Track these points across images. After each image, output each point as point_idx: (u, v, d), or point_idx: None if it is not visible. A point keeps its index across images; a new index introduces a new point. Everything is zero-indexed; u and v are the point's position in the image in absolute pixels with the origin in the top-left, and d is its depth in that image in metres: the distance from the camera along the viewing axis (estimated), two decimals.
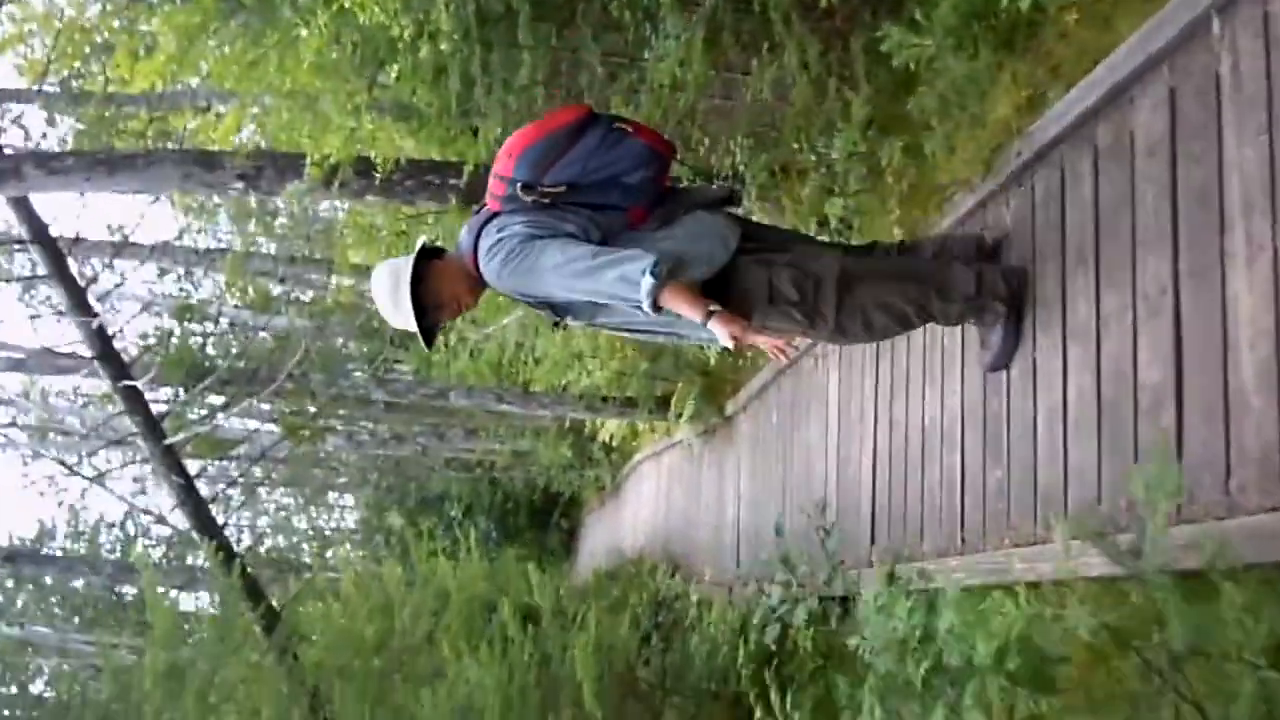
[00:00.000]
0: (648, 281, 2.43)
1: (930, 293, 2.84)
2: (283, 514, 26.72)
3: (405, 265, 2.65)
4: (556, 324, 2.85)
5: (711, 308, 2.53)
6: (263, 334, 16.97)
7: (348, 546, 25.87)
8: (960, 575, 3.35)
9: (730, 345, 2.62)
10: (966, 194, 3.66)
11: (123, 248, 9.93)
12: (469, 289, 2.77)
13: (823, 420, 5.16)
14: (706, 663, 5.11)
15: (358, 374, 7.62)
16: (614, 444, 11.60)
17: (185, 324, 8.71)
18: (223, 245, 16.51)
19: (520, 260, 2.54)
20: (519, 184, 2.59)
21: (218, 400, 7.20)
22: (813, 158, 4.29)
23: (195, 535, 6.40)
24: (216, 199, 14.35)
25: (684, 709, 4.84)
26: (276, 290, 13.15)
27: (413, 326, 2.68)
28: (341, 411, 10.13)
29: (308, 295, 14.11)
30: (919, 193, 4.08)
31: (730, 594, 6.61)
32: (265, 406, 8.37)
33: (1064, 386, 2.90)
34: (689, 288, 2.55)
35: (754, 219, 3.49)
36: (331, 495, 26.58)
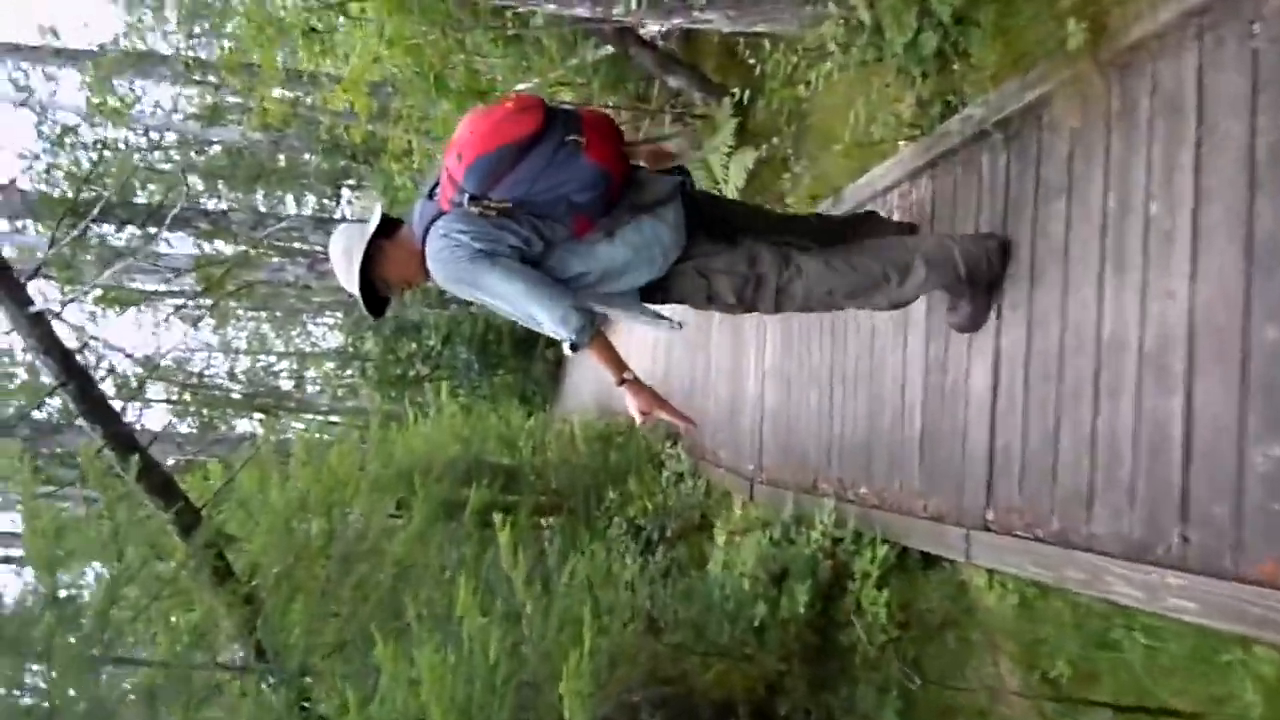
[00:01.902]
0: (567, 348, 2.60)
1: (876, 285, 2.87)
2: (256, 338, 25.63)
3: (360, 240, 2.67)
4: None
5: (625, 375, 2.67)
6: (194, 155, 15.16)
7: (328, 366, 24.93)
8: (1188, 606, 2.06)
9: (638, 418, 2.71)
10: None
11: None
12: (418, 269, 2.73)
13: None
14: (734, 611, 3.88)
15: (286, 215, 6.07)
16: None
17: (66, 148, 7.01)
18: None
19: (461, 272, 2.58)
20: (466, 194, 2.58)
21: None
22: None
23: (84, 424, 5.10)
24: None
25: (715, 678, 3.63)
26: (212, 99, 11.30)
27: (360, 299, 2.71)
28: (273, 257, 8.62)
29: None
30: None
31: (751, 492, 5.38)
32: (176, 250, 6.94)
33: None
34: (608, 350, 2.64)
35: (705, 193, 3.13)
36: (308, 318, 25.41)
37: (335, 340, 25.87)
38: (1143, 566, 2.23)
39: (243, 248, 5.81)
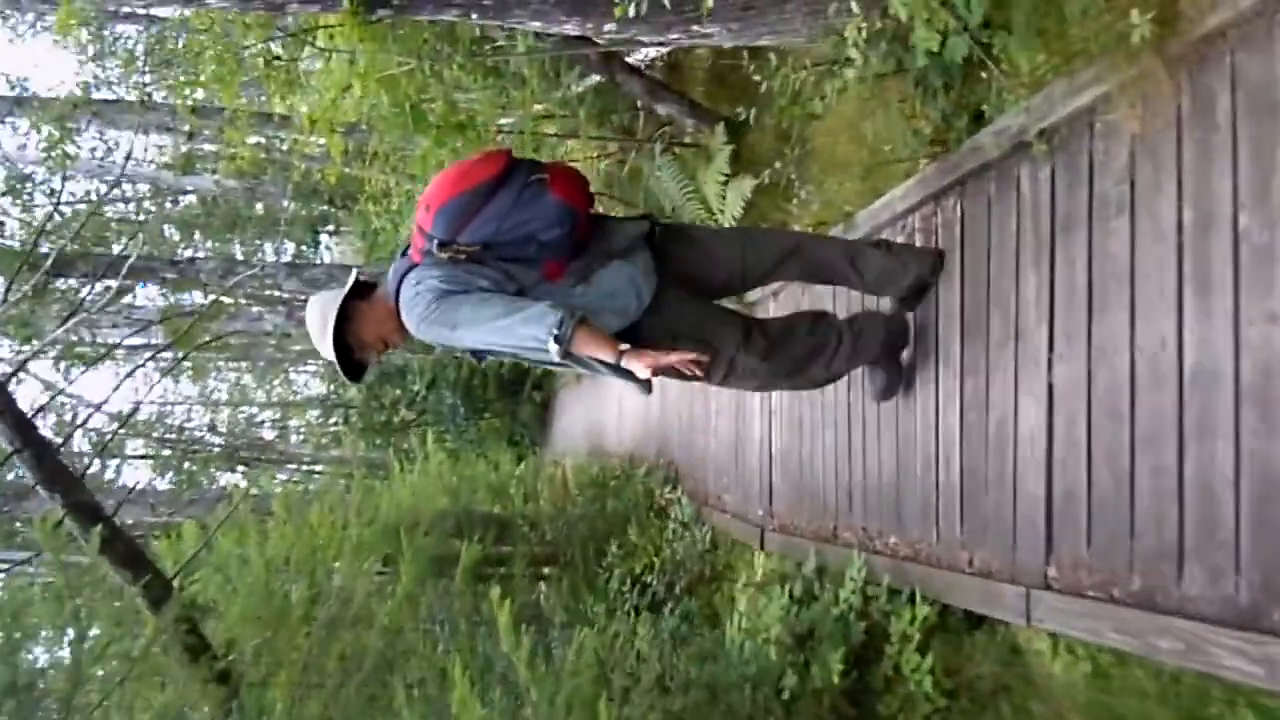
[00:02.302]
0: (553, 345, 2.47)
1: (806, 368, 3.12)
2: (237, 389, 25.14)
3: (334, 304, 2.67)
4: (478, 358, 2.80)
5: (622, 347, 2.58)
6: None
7: (310, 415, 24.43)
8: None
9: (648, 375, 2.63)
10: None
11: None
12: (395, 328, 2.72)
13: (950, 312, 3.44)
14: (757, 677, 3.51)
15: (254, 260, 5.73)
16: None
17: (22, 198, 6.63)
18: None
19: (437, 315, 2.56)
20: (435, 241, 2.59)
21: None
22: None
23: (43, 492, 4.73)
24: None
25: None
26: (185, 147, 10.97)
27: (336, 364, 2.70)
28: (246, 302, 8.26)
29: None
30: None
31: (762, 541, 5.03)
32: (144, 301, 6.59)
33: None
34: (597, 333, 2.56)
35: (674, 233, 3.05)
36: (289, 367, 24.98)
37: (318, 388, 25.49)
38: (1261, 637, 1.90)
39: (212, 297, 5.47)
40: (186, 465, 18.16)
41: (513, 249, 2.61)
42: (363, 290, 2.75)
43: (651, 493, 7.26)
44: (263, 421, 25.29)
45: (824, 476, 4.33)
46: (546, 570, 7.26)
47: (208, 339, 5.54)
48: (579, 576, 6.46)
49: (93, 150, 13.67)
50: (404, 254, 2.75)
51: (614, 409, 10.54)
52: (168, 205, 17.90)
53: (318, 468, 20.04)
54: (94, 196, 17.04)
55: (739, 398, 5.74)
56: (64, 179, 11.83)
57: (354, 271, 2.81)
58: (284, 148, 12.13)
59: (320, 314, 2.70)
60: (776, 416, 5.05)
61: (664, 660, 3.92)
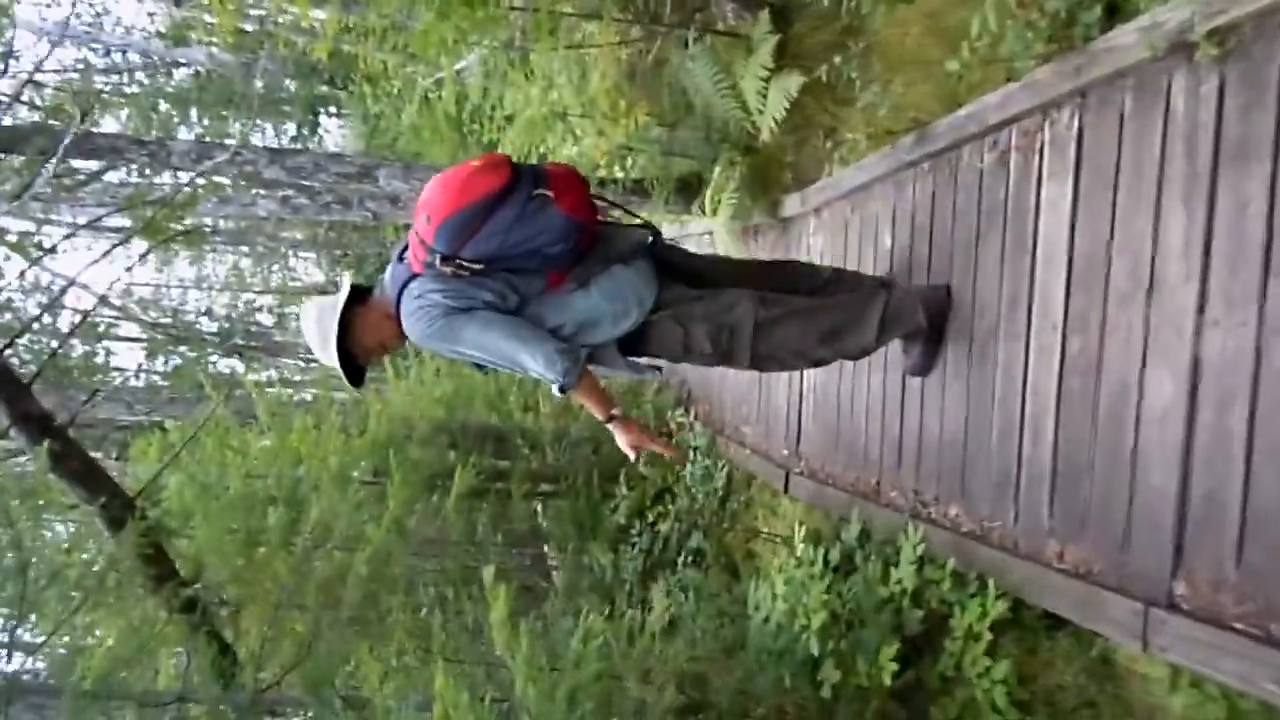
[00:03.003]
0: (556, 390, 2.58)
1: (842, 332, 2.95)
2: (234, 275, 24.45)
3: (333, 313, 2.63)
4: (480, 369, 2.80)
5: (613, 412, 2.69)
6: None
7: (308, 300, 23.79)
8: None
9: (630, 454, 2.74)
10: None
11: None
12: (394, 333, 2.71)
13: (1021, 249, 2.87)
14: (794, 667, 3.04)
15: (229, 143, 5.09)
16: None
17: None
18: None
19: (440, 330, 2.56)
20: (438, 255, 2.53)
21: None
22: None
23: None
24: None
25: None
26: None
27: (339, 369, 2.67)
28: (228, 191, 7.62)
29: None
30: None
31: (786, 484, 4.55)
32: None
33: None
34: (596, 389, 2.67)
35: (676, 248, 3.04)
36: (289, 251, 24.26)
37: (317, 275, 24.83)
38: None
39: (183, 183, 4.87)
40: (179, 349, 17.73)
41: (517, 261, 2.58)
42: (358, 295, 2.71)
43: (662, 414, 6.76)
44: (260, 308, 24.75)
45: (868, 423, 3.80)
46: (545, 488, 6.83)
47: (179, 229, 4.94)
48: (581, 505, 6.01)
49: (77, 14, 12.82)
50: (401, 259, 2.68)
51: None
52: (160, 79, 17.06)
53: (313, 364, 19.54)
54: (81, 65, 16.21)
55: None
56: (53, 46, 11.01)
57: (347, 278, 2.76)
58: (277, 20, 11.30)
59: (318, 323, 2.67)
60: None
61: (684, 632, 3.47)
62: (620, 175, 5.70)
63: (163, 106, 16.51)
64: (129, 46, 15.62)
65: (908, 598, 2.88)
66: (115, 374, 12.27)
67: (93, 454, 5.18)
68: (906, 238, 3.54)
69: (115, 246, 4.89)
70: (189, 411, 7.87)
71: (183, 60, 16.06)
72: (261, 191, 14.60)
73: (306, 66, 15.04)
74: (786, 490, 4.55)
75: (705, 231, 6.43)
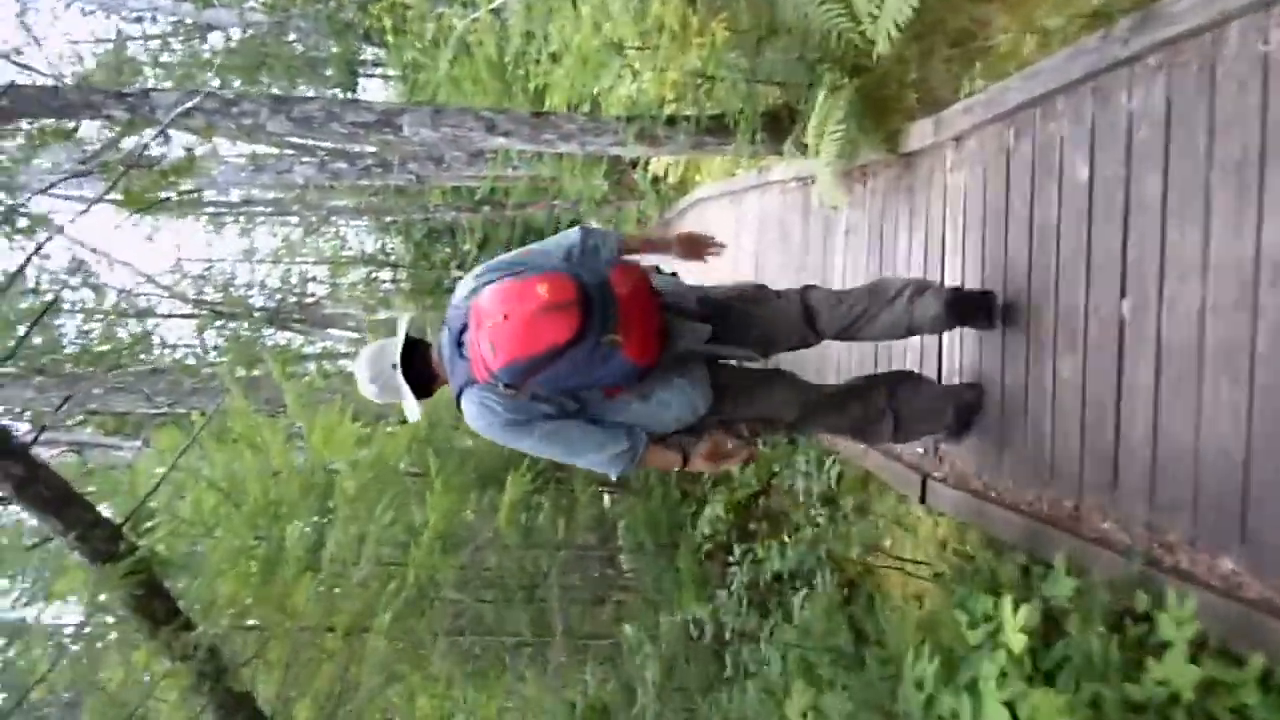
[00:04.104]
0: (615, 475, 2.71)
1: (865, 430, 3.16)
2: (282, 245, 23.87)
3: (394, 349, 2.64)
4: None
5: (686, 454, 2.74)
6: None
7: (354, 276, 23.20)
8: None
9: (710, 469, 2.82)
10: None
11: None
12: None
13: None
14: None
15: (235, 96, 4.19)
16: (667, 178, 8.23)
17: None
18: None
19: (500, 435, 2.59)
20: (500, 382, 2.48)
21: None
22: None
23: None
24: None
25: None
26: None
27: (403, 386, 2.63)
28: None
29: None
30: None
31: (923, 493, 3.57)
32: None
33: None
34: (659, 458, 2.73)
35: (731, 364, 3.00)
36: (340, 220, 23.59)
37: (368, 245, 24.21)
38: None
39: (159, 142, 4.00)
40: (228, 325, 17.20)
41: (579, 389, 2.56)
42: (415, 344, 2.70)
43: None
44: (311, 278, 24.19)
45: (1055, 421, 2.80)
46: (613, 491, 5.93)
47: (167, 195, 4.09)
48: (657, 506, 5.08)
49: None
50: (459, 344, 2.57)
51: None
52: (195, 43, 16.38)
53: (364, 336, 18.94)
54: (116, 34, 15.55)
55: (884, 228, 4.16)
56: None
57: (404, 321, 2.75)
58: None
59: (373, 361, 2.68)
60: (956, 273, 3.49)
61: None
62: (692, 112, 4.69)
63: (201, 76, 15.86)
64: (158, 10, 14.88)
65: (1182, 712, 1.89)
66: (145, 356, 11.63)
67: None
68: (1119, 167, 2.51)
69: (93, 204, 4.05)
70: (212, 402, 7.09)
71: (213, 24, 15.32)
72: (303, 158, 13.79)
73: (341, 23, 14.18)
74: (923, 501, 3.57)
75: (798, 177, 5.41)
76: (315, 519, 4.77)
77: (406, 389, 2.59)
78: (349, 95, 15.04)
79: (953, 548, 3.22)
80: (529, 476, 4.94)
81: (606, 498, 6.37)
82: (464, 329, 2.54)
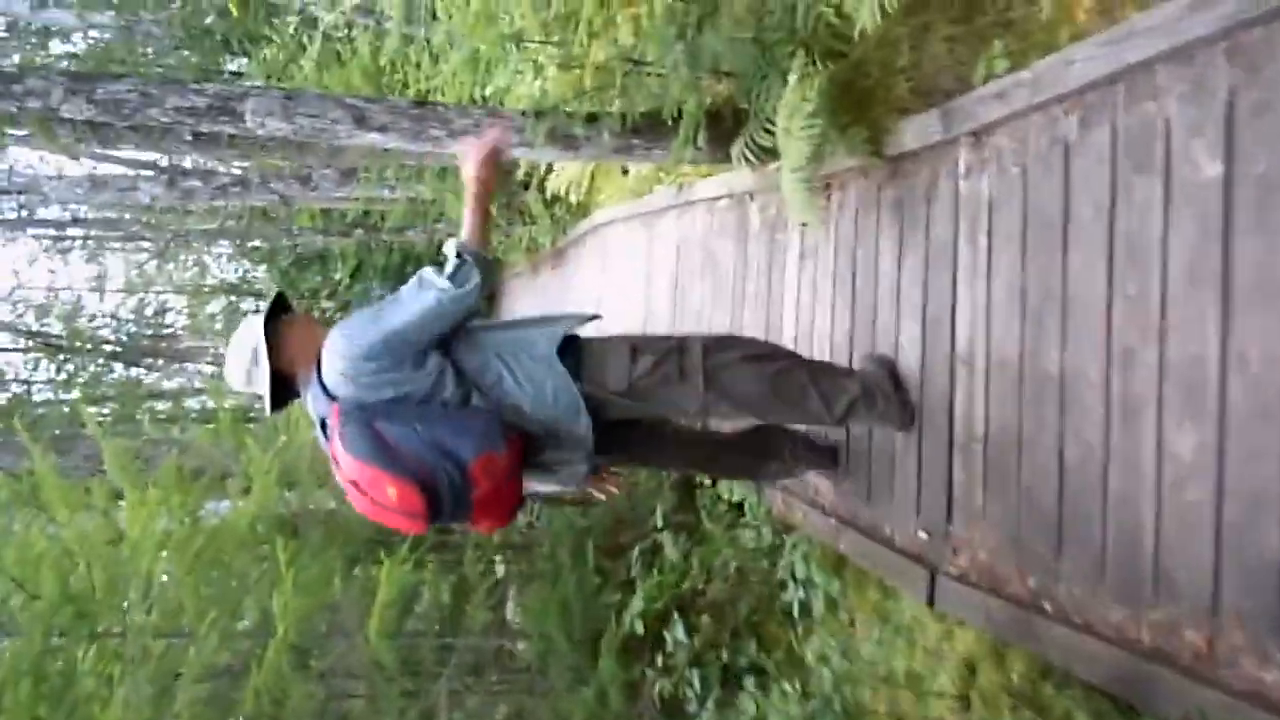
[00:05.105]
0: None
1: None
2: (136, 273, 21.93)
3: (256, 326, 2.41)
4: None
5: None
6: None
7: (220, 306, 21.51)
8: None
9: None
10: None
11: None
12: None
13: None
14: None
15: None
16: (569, 196, 7.32)
17: None
18: None
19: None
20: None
21: None
22: None
23: None
24: None
25: None
26: None
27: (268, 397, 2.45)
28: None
29: None
30: None
31: (931, 593, 2.76)
32: None
33: None
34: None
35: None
36: (201, 246, 21.82)
37: (228, 272, 22.53)
38: None
39: None
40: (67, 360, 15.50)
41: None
42: (283, 306, 2.49)
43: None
44: (168, 309, 22.32)
45: (1168, 507, 2.01)
46: (505, 562, 4.96)
47: None
48: (568, 591, 4.11)
49: None
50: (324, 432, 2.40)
51: (594, 289, 7.84)
52: (31, 48, 14.76)
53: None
54: None
55: (858, 252, 3.36)
56: None
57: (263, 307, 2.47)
58: None
59: (240, 344, 2.43)
60: (980, 310, 2.69)
61: None
62: (614, 109, 3.82)
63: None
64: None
65: None
66: None
67: None
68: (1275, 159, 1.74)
69: None
70: (14, 462, 5.81)
71: (51, 26, 13.77)
72: (143, 172, 12.33)
73: (197, 29, 12.88)
74: (931, 603, 2.75)
75: (731, 194, 4.59)
76: (126, 620, 3.67)
77: (265, 380, 2.37)
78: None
79: (987, 676, 2.39)
80: (408, 562, 3.92)
81: (500, 568, 5.40)
82: (325, 421, 2.41)
